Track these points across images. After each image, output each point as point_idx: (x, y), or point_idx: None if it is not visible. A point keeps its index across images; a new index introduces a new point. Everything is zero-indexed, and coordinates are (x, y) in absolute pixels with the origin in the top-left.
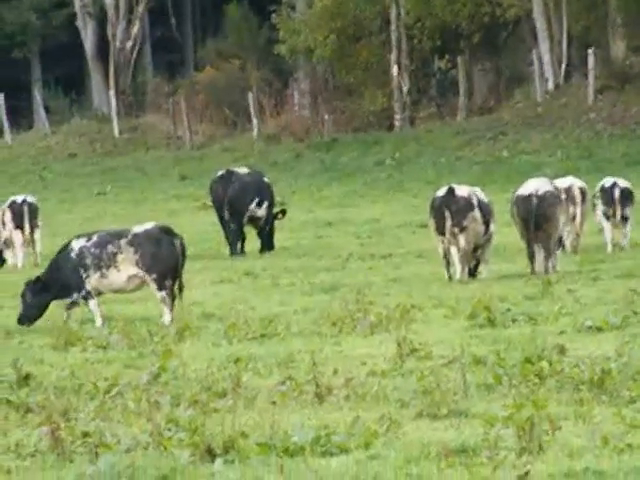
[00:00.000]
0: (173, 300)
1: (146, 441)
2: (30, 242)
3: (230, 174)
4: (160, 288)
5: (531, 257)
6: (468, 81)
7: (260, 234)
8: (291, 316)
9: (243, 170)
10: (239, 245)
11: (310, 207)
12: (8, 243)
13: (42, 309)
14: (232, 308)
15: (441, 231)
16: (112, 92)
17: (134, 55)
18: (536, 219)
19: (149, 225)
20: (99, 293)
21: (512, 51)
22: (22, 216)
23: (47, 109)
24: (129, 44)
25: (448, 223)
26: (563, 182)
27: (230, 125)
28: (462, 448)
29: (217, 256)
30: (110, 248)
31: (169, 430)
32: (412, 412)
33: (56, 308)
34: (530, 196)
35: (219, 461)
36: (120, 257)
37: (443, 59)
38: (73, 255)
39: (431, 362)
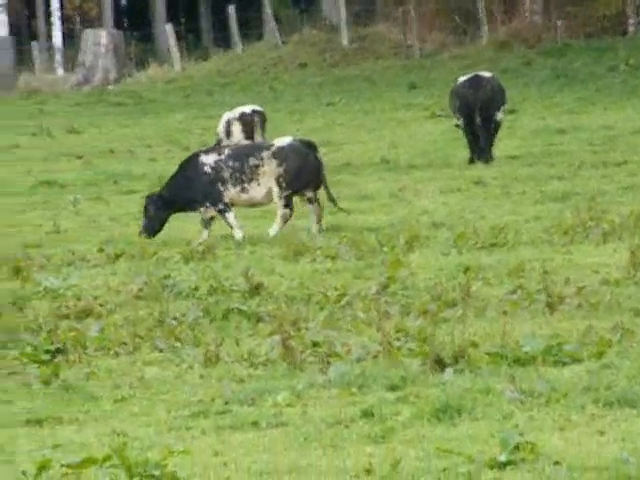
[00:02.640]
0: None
1: (376, 350)
2: None
3: (479, 78)
4: (286, 205)
5: None
6: None
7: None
8: (521, 225)
9: (488, 74)
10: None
11: (541, 114)
12: None
13: (163, 222)
14: (461, 217)
15: None
16: (341, 1)
17: None
18: None
19: (290, 138)
20: (232, 206)
21: None
22: (252, 126)
23: (277, 19)
24: None
25: None
26: None
27: (459, 33)
28: None
29: (446, 165)
30: (252, 161)
31: (398, 340)
32: None
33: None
34: None
35: (449, 370)
36: (261, 170)
37: None
38: (207, 169)
39: None
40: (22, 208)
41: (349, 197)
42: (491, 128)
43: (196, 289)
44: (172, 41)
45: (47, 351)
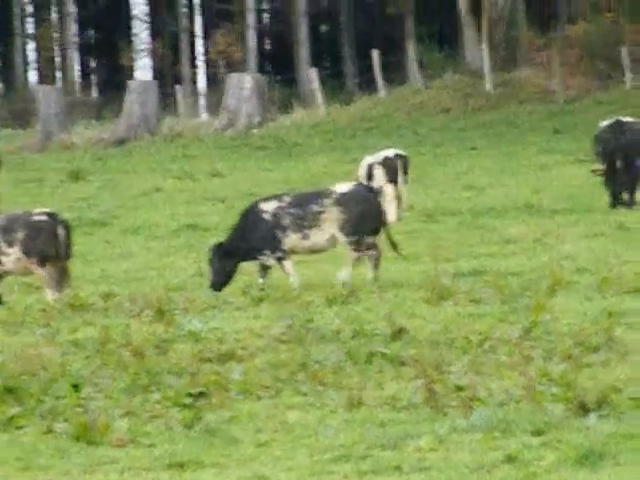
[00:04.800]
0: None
1: (519, 395)
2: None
3: (620, 123)
4: (357, 250)
5: None
6: None
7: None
8: None
9: (631, 119)
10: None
11: None
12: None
13: (230, 273)
14: (604, 262)
15: None
16: (485, 46)
17: (508, 9)
18: None
19: (352, 184)
20: (293, 253)
21: None
22: (395, 170)
23: (420, 64)
24: None
25: None
26: None
27: (603, 79)
28: None
29: (589, 209)
30: (314, 207)
31: (542, 384)
32: None
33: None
34: None
35: (593, 416)
36: (324, 216)
37: None
38: (267, 216)
39: None
40: (166, 251)
41: (492, 241)
42: (633, 173)
43: (339, 332)
44: (316, 85)
45: (189, 394)
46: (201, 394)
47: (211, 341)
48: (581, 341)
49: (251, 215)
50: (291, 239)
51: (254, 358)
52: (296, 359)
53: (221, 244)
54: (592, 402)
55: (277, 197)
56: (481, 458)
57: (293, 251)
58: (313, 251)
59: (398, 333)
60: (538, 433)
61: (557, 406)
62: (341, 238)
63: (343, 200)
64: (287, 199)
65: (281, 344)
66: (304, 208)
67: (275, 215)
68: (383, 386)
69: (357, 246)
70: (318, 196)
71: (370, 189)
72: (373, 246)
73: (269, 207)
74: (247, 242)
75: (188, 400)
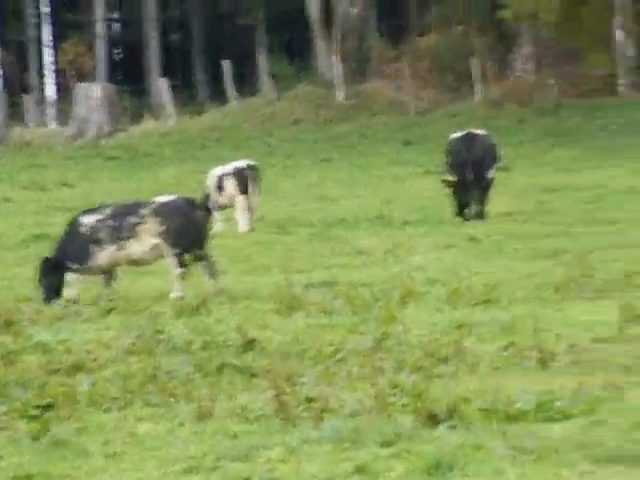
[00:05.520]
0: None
1: (370, 406)
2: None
3: (472, 135)
4: (180, 265)
5: None
6: None
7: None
8: (514, 282)
9: (482, 132)
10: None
11: (533, 172)
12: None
13: (59, 285)
14: (455, 274)
15: None
16: (337, 58)
17: (359, 21)
18: None
19: (173, 196)
20: (115, 265)
21: None
22: (247, 181)
23: (272, 75)
24: (355, 10)
25: None
26: None
27: (453, 91)
28: None
29: (440, 221)
30: (131, 219)
31: (392, 395)
32: (636, 379)
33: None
34: None
35: (442, 426)
36: (142, 227)
37: None
38: (84, 230)
39: None
40: (15, 261)
41: (343, 252)
42: (483, 185)
43: (189, 344)
44: (166, 95)
45: (37, 406)
46: (49, 406)
47: (60, 352)
48: (431, 352)
49: (71, 228)
50: (108, 251)
51: (103, 369)
52: (146, 370)
53: (48, 258)
54: (442, 413)
55: (99, 209)
56: (331, 469)
57: (113, 263)
58: (135, 262)
59: (249, 344)
60: (388, 444)
61: (407, 417)
62: (165, 250)
63: (161, 211)
64: (107, 211)
65: (130, 355)
66: (122, 219)
67: (92, 228)
68: (234, 397)
69: (180, 260)
70: (137, 207)
71: (191, 201)
72: (202, 257)
73: (88, 220)
74: (65, 255)
75: (35, 412)
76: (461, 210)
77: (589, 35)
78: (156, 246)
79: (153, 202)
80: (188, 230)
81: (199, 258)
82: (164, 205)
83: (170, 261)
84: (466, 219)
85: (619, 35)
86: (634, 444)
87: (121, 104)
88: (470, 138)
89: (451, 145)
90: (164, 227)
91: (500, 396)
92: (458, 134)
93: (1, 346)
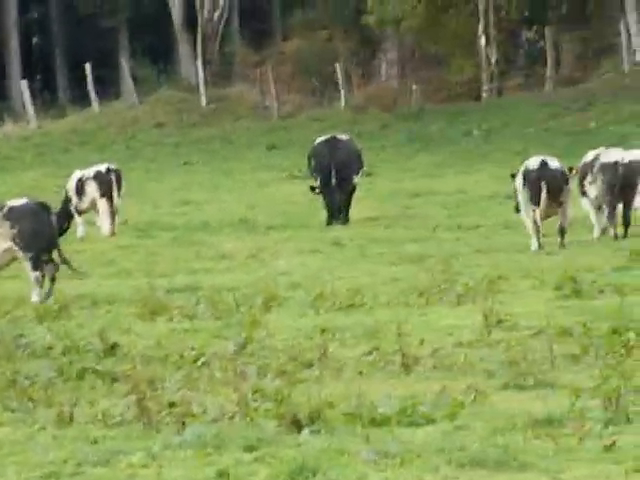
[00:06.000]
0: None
1: (232, 411)
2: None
3: (336, 140)
4: (35, 268)
5: (613, 222)
6: (556, 52)
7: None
8: (378, 286)
9: (345, 136)
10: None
11: (397, 177)
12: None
13: None
14: (318, 278)
15: (536, 202)
16: (200, 62)
17: (222, 25)
18: (621, 186)
19: (24, 200)
20: None
21: (600, 21)
22: (108, 184)
23: (135, 79)
24: (217, 14)
25: (544, 197)
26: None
27: (317, 95)
28: (548, 419)
29: (304, 225)
30: None
31: (255, 400)
32: (498, 383)
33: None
34: (617, 164)
35: (305, 431)
36: None
37: (531, 30)
38: None
39: (518, 333)
40: None
41: (207, 257)
42: (348, 190)
43: (50, 348)
44: (27, 98)
45: None
46: None
47: None
48: (295, 357)
49: None
50: None
51: None
52: (5, 375)
53: None
54: (305, 418)
55: None
56: (194, 474)
57: None
58: None
59: (111, 349)
60: (251, 449)
61: (270, 422)
62: (19, 254)
63: (11, 215)
64: None
65: None
66: None
67: None
68: (95, 403)
69: (34, 263)
70: None
71: (44, 205)
72: (49, 262)
73: None
74: None
75: None
76: (330, 215)
77: (453, 41)
78: (9, 249)
79: (4, 206)
80: (40, 233)
81: (45, 262)
82: (14, 209)
83: (25, 265)
84: (329, 223)
85: (482, 41)
86: (496, 448)
87: None
88: (334, 143)
89: (315, 150)
90: (15, 230)
91: (364, 401)
92: (322, 138)
93: None
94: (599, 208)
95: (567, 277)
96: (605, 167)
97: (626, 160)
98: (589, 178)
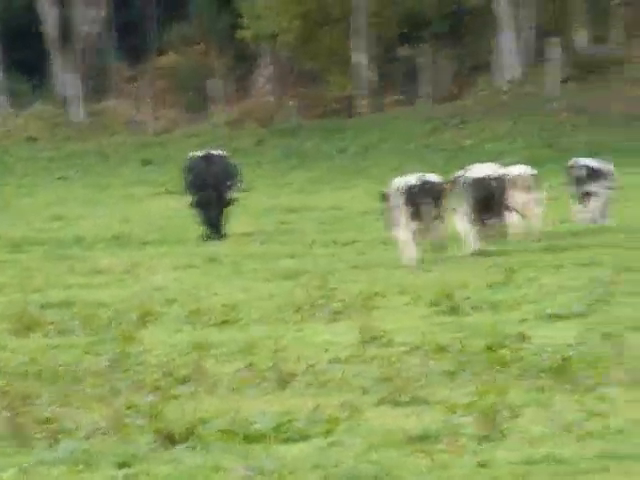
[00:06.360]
0: None
1: (106, 427)
2: None
3: (211, 155)
4: None
5: (479, 237)
6: (432, 69)
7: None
8: (254, 302)
9: (220, 152)
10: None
11: (273, 193)
12: None
13: None
14: (194, 294)
15: (415, 218)
16: (75, 76)
17: (97, 39)
18: (489, 201)
19: None
20: None
21: (475, 39)
22: None
23: (8, 92)
24: (93, 28)
25: (426, 211)
26: (514, 170)
27: (193, 111)
28: (423, 435)
29: (180, 241)
30: None
31: (129, 416)
32: (374, 399)
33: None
34: (485, 179)
35: (180, 447)
36: None
37: (407, 46)
38: None
39: (393, 349)
40: None
41: (82, 272)
42: (223, 205)
43: None
44: None
45: None
46: None
47: None
48: (170, 372)
49: None
50: None
51: None
52: None
53: None
54: (180, 434)
55: None
56: None
57: None
58: None
59: None
60: (124, 465)
61: (144, 438)
62: None
63: None
64: None
65: None
66: None
67: None
68: None
69: None
70: None
71: None
72: None
73: None
74: None
75: None
76: (212, 231)
77: (329, 57)
78: None
79: None
80: None
81: None
82: None
83: None
84: (205, 239)
85: (358, 57)
86: (371, 464)
87: None
88: (209, 158)
89: (190, 165)
90: None
91: (239, 417)
92: (197, 154)
93: None
94: (470, 224)
95: (443, 293)
96: (474, 183)
97: (494, 176)
98: (459, 194)
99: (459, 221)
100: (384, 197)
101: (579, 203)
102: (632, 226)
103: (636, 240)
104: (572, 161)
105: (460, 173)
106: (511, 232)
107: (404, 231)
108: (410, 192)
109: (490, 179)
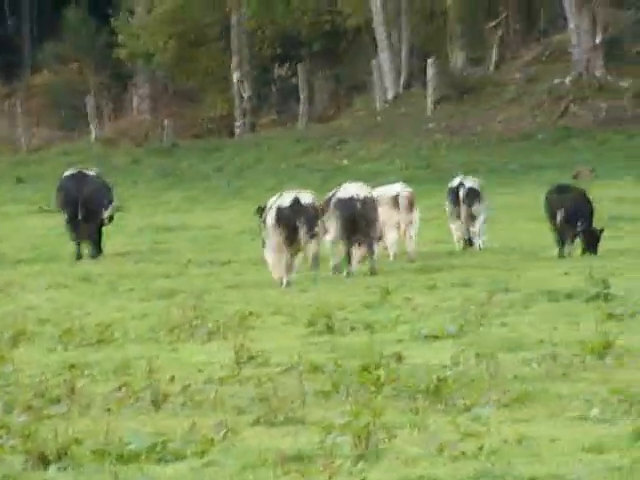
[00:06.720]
0: None
1: None
2: None
3: (83, 174)
4: None
5: (349, 258)
6: (308, 89)
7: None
8: (128, 322)
9: (92, 171)
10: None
11: (148, 212)
12: None
13: None
14: (67, 313)
15: (291, 241)
16: None
17: None
18: (358, 221)
19: None
20: None
21: (352, 60)
22: None
23: None
24: None
25: (302, 232)
26: (390, 189)
27: (68, 129)
28: (298, 455)
29: (54, 259)
30: None
31: (1, 437)
32: (249, 419)
33: None
34: (352, 199)
35: (53, 468)
36: None
37: (284, 66)
38: None
39: (269, 369)
40: None
41: None
42: (95, 224)
43: None
44: None
45: None
46: None
47: None
48: (42, 393)
49: None
50: None
51: None
52: None
53: None
54: (52, 454)
55: None
56: None
57: None
58: None
59: None
60: None
61: (17, 458)
62: None
63: None
64: None
65: None
66: None
67: None
68: None
69: None
70: None
71: None
72: None
73: None
74: None
75: None
76: (79, 248)
77: (205, 76)
78: None
79: None
80: None
81: None
82: None
83: None
84: (79, 258)
85: (235, 77)
86: None
87: None
88: (81, 177)
89: (62, 184)
90: None
91: (112, 437)
92: (69, 172)
93: None
94: (338, 243)
95: (319, 313)
96: (341, 202)
97: (362, 196)
98: (328, 214)
99: (327, 240)
100: (260, 211)
101: (459, 223)
102: (505, 247)
103: (509, 261)
104: (454, 181)
105: (331, 193)
106: (383, 252)
107: (273, 251)
108: (281, 212)
109: (356, 200)
